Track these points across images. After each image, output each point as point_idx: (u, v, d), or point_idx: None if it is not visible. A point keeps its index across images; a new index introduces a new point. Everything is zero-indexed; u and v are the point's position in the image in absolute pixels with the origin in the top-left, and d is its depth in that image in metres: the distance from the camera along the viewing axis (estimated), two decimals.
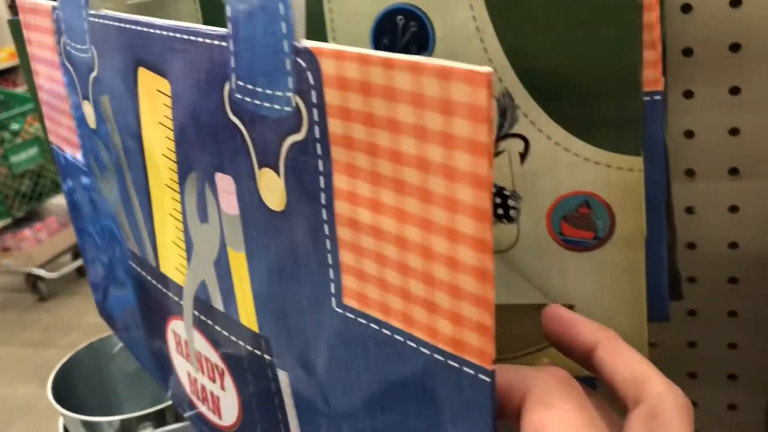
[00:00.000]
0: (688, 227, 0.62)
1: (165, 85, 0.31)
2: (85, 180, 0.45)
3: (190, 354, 0.40)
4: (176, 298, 0.38)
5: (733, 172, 0.60)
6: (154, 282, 0.41)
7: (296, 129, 0.25)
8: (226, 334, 0.34)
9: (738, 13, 0.55)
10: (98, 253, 0.50)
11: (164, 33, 0.30)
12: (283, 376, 0.32)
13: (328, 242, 0.25)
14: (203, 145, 0.30)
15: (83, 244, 0.52)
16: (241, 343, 0.33)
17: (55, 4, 0.39)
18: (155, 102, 0.33)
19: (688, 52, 0.57)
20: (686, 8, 0.56)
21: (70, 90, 0.42)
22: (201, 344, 0.38)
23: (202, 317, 0.36)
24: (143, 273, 0.42)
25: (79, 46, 0.38)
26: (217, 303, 0.34)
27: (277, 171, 0.26)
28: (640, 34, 0.31)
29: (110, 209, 0.43)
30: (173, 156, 0.33)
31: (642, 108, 0.31)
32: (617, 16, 0.29)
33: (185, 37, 0.29)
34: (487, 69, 0.19)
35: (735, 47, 0.56)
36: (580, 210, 0.31)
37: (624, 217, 0.31)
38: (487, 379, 0.22)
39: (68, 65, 0.40)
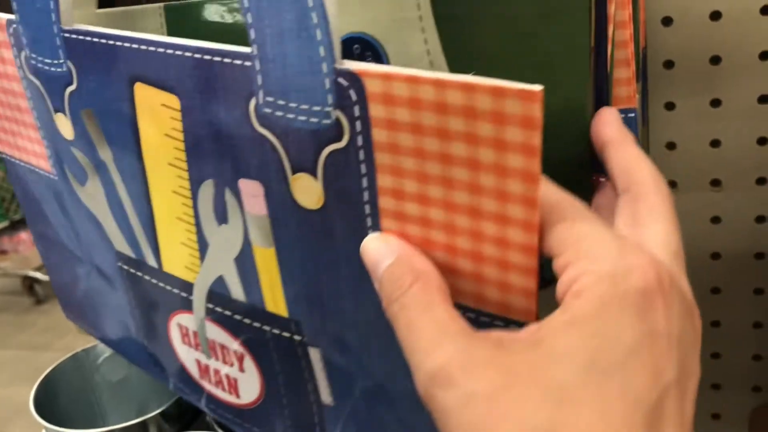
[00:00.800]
0: None
1: (172, 99, 0.33)
2: (54, 188, 0.45)
3: (200, 343, 0.42)
4: (184, 294, 0.41)
5: (715, 183, 0.60)
6: (153, 281, 0.43)
7: (337, 139, 0.27)
8: (248, 321, 0.37)
9: (718, 26, 0.55)
10: (69, 257, 0.50)
11: (174, 52, 0.31)
12: (314, 352, 0.35)
13: (370, 232, 0.29)
14: (223, 155, 0.32)
15: (45, 250, 0.52)
16: (266, 327, 0.36)
17: (11, 17, 0.39)
18: (160, 115, 0.34)
19: (669, 64, 0.57)
20: (667, 21, 0.56)
21: (35, 103, 0.42)
22: (215, 333, 0.40)
23: (218, 309, 0.39)
24: (138, 273, 0.43)
25: (48, 61, 0.38)
26: (238, 294, 0.37)
27: (314, 175, 0.29)
28: (592, 82, 0.31)
29: (91, 215, 0.44)
30: (184, 165, 0.35)
31: (588, 154, 0.31)
32: (569, 61, 0.29)
33: (201, 56, 0.31)
34: (538, 87, 0.22)
35: (715, 60, 0.56)
36: None
37: None
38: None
39: (33, 78, 0.40)
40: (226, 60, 0.29)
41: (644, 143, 0.56)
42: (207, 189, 0.34)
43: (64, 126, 0.40)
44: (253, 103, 0.29)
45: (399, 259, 0.27)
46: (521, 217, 0.25)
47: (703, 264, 0.63)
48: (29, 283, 2.92)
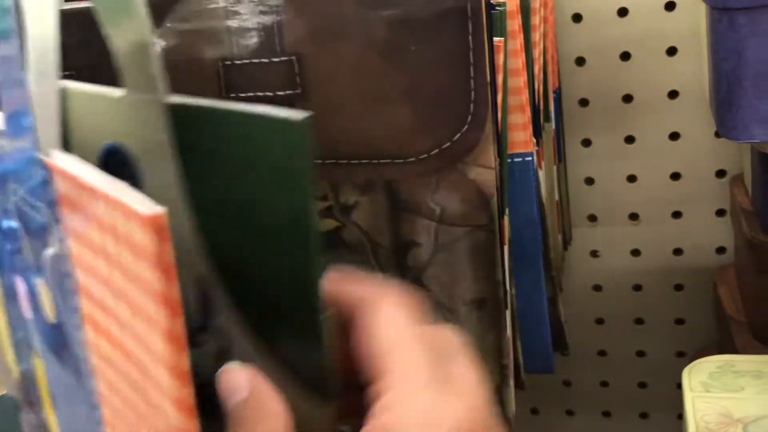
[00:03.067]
0: (593, 271, 0.64)
1: None
2: None
3: None
4: None
5: (633, 217, 0.62)
6: None
7: (52, 242, 0.24)
8: None
9: (628, 65, 0.57)
10: None
11: None
12: None
13: (84, 366, 0.25)
14: (6, 248, 0.29)
15: None
16: None
17: None
18: None
19: (584, 102, 0.59)
20: (580, 61, 0.58)
21: None
22: None
23: None
24: None
25: None
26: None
27: (46, 282, 0.25)
28: (319, 256, 0.27)
29: None
30: None
31: (321, 332, 0.25)
32: (294, 232, 0.25)
33: None
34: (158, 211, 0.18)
35: (627, 98, 0.58)
36: None
37: None
38: None
39: None
40: None
41: (562, 179, 0.58)
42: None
43: None
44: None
45: (252, 394, 0.26)
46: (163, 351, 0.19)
47: (626, 295, 0.64)
48: None
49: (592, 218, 0.62)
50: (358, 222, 0.38)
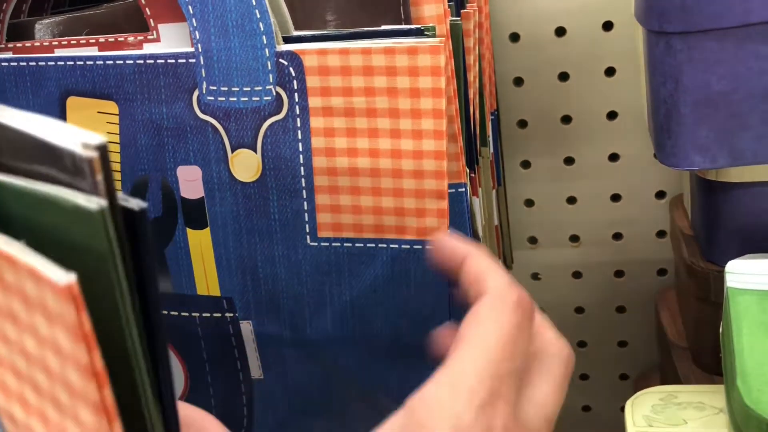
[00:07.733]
0: (534, 293, 0.62)
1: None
2: None
3: None
4: None
5: (574, 239, 0.60)
6: None
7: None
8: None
9: (566, 86, 0.55)
10: None
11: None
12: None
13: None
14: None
15: None
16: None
17: None
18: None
19: (522, 123, 0.58)
20: (518, 81, 0.56)
21: None
22: None
23: None
24: None
25: None
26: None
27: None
28: None
29: None
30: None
31: None
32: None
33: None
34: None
35: (566, 119, 0.57)
36: None
37: None
38: None
39: None
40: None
41: (501, 202, 0.56)
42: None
43: None
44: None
45: None
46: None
47: (568, 318, 0.63)
48: None
49: (533, 240, 0.61)
50: None
